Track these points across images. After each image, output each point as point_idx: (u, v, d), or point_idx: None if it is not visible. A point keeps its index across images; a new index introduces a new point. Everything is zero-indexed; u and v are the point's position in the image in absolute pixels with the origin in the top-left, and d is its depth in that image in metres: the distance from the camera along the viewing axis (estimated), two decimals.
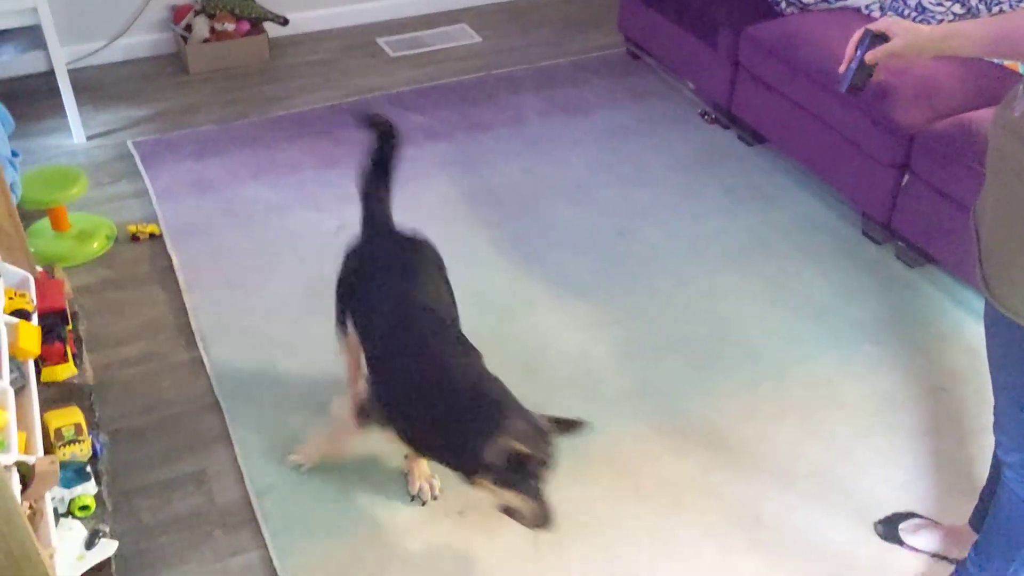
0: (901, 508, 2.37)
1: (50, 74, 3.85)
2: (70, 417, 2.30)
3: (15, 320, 2.27)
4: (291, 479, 2.42)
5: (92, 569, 2.10)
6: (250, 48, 4.45)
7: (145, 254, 3.23)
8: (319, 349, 2.79)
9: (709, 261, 3.21)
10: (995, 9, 3.28)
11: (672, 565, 2.23)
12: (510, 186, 3.58)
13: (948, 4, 3.34)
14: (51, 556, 1.89)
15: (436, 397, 2.01)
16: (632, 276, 3.14)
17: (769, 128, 3.67)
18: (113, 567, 2.13)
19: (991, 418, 1.89)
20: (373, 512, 2.35)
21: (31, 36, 3.75)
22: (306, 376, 2.73)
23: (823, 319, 2.96)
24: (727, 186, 3.59)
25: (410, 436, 2.09)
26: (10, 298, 2.35)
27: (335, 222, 3.35)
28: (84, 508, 2.21)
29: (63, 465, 2.17)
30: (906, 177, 3.07)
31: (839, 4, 3.64)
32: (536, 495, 1.90)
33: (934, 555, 2.26)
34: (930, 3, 3.37)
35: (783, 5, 3.71)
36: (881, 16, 3.48)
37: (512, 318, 2.95)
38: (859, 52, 1.80)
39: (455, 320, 2.29)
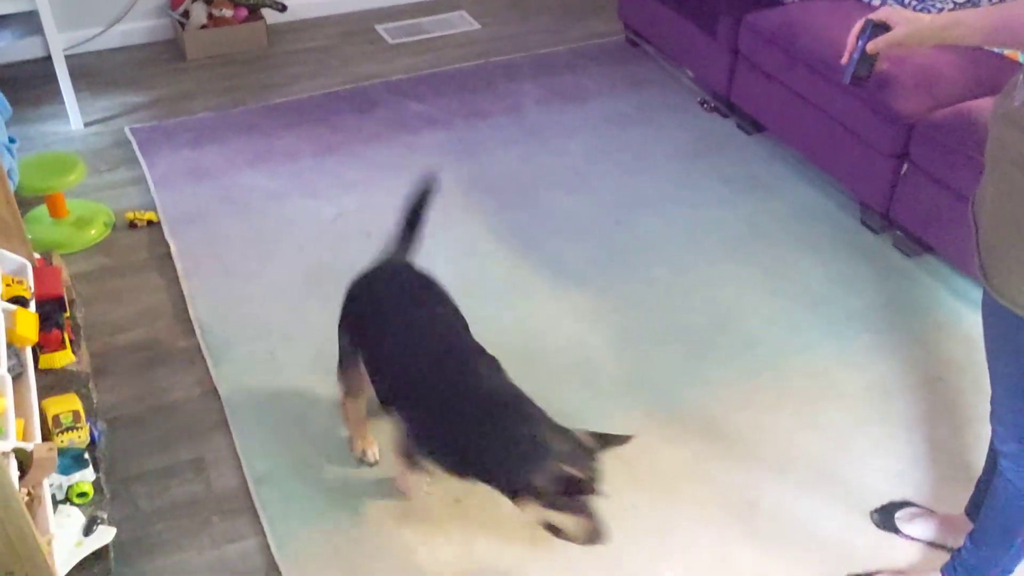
0: (897, 497, 2.38)
1: (47, 60, 3.84)
2: (68, 404, 2.29)
3: (13, 307, 2.26)
4: (289, 466, 2.43)
5: (90, 555, 2.11)
6: (248, 34, 4.43)
7: (143, 241, 3.23)
8: (317, 336, 2.80)
9: (707, 250, 3.21)
10: None
11: (668, 554, 2.24)
12: (508, 174, 3.57)
13: None
14: (49, 542, 1.89)
15: (479, 425, 1.98)
16: (630, 265, 3.14)
17: (768, 117, 3.67)
18: (111, 553, 2.14)
19: (988, 407, 1.90)
20: (371, 499, 2.35)
21: (28, 22, 3.74)
22: (304, 363, 2.73)
23: (821, 308, 2.97)
24: (726, 175, 3.58)
25: (458, 468, 2.05)
26: (8, 285, 2.35)
27: (333, 210, 3.35)
28: (82, 495, 2.21)
29: (61, 452, 2.17)
30: (905, 166, 3.07)
31: None
32: (587, 513, 1.88)
33: (930, 543, 2.27)
34: None
35: None
36: (882, 5, 3.47)
37: (509, 306, 2.95)
38: (860, 42, 1.79)
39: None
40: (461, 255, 3.15)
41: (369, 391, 2.30)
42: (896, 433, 2.56)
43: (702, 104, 4.02)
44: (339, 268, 3.07)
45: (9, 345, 2.17)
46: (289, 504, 2.33)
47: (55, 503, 2.12)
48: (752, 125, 3.81)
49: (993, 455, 2.03)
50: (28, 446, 1.88)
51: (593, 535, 1.90)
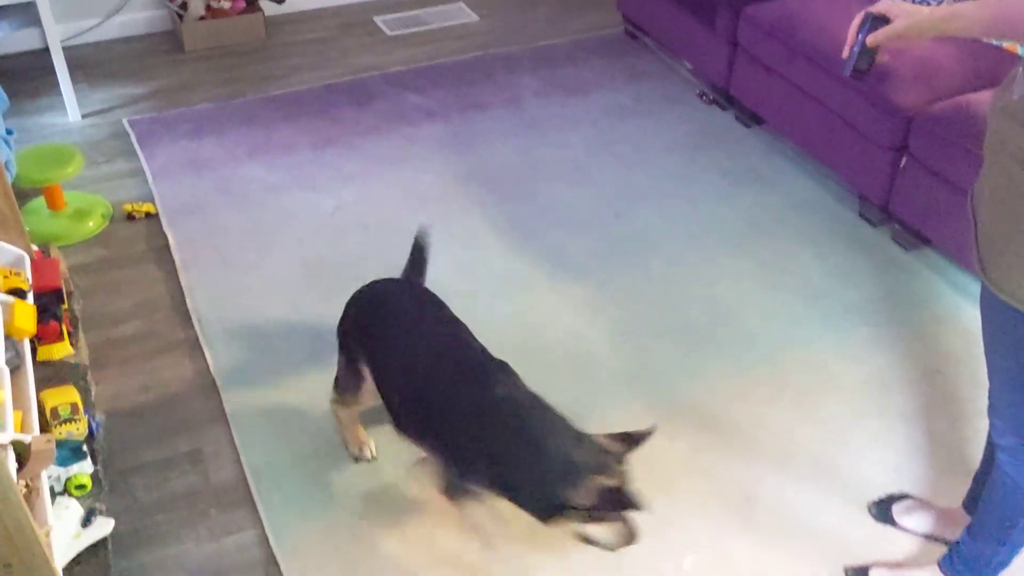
0: (895, 489, 2.38)
1: (45, 52, 3.82)
2: (66, 396, 2.29)
3: (11, 299, 2.26)
4: (287, 458, 2.43)
5: (88, 547, 2.11)
6: (246, 26, 4.42)
7: (141, 233, 3.22)
8: (315, 328, 2.80)
9: (705, 243, 3.20)
10: None
11: (665, 547, 2.24)
12: (507, 167, 3.57)
13: None
14: (47, 534, 1.89)
15: (508, 443, 1.93)
16: (628, 258, 3.13)
17: (767, 110, 3.66)
18: (109, 545, 2.14)
19: (986, 401, 1.90)
20: (369, 491, 2.35)
21: (26, 13, 3.72)
22: (302, 355, 2.73)
23: (819, 302, 2.97)
24: (724, 168, 3.58)
25: (495, 487, 1.98)
26: (5, 277, 2.35)
27: (332, 202, 3.35)
28: (80, 487, 2.21)
29: (59, 444, 2.17)
30: (904, 159, 3.06)
31: None
32: (622, 518, 1.87)
33: (927, 536, 2.27)
34: None
35: None
36: None
37: (508, 299, 2.95)
38: (860, 36, 1.79)
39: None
40: (460, 248, 3.15)
41: (364, 399, 2.30)
42: (894, 426, 2.56)
43: (701, 97, 4.01)
44: (338, 261, 3.08)
45: (7, 337, 2.17)
46: (287, 496, 2.33)
47: (53, 495, 2.12)
48: (751, 118, 3.81)
49: (991, 448, 2.04)
50: (26, 438, 1.88)
51: (628, 538, 1.89)
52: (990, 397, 1.87)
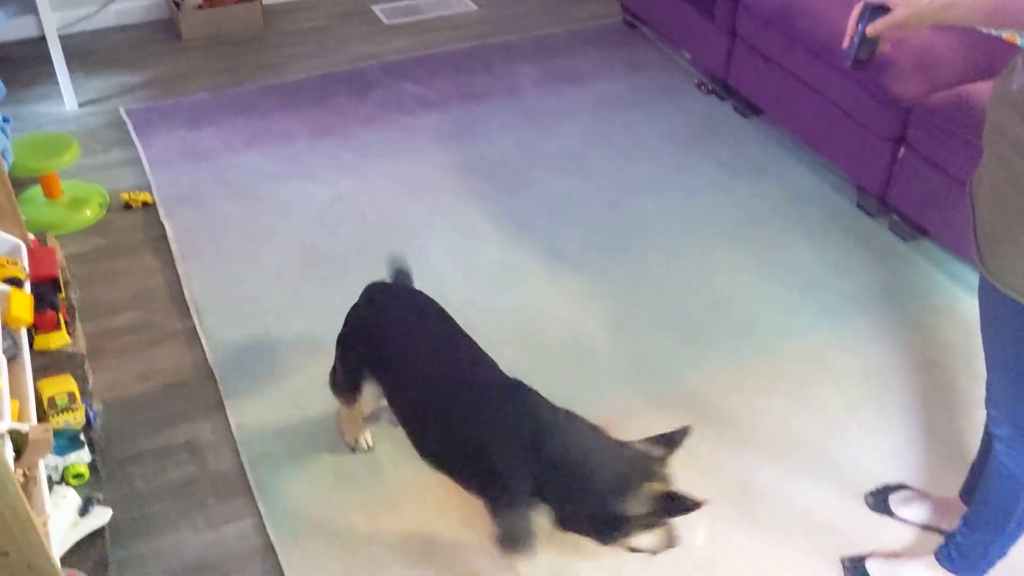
0: (892, 480, 2.39)
1: (41, 40, 3.81)
2: (63, 385, 2.29)
3: (7, 288, 2.26)
4: (284, 447, 2.43)
5: (86, 536, 2.11)
6: (244, 15, 4.41)
7: (138, 222, 3.22)
8: (313, 318, 2.80)
9: (703, 234, 3.20)
10: None
11: None
12: (504, 157, 3.56)
13: None
14: (45, 523, 1.90)
15: (561, 473, 1.85)
16: (625, 248, 3.13)
17: (765, 100, 3.66)
18: (107, 534, 2.14)
19: (983, 391, 1.90)
20: (366, 480, 2.35)
21: (22, 1, 3.71)
22: (300, 345, 2.72)
23: (816, 292, 2.97)
24: (722, 158, 3.58)
25: (557, 522, 1.91)
26: (2, 266, 2.34)
27: (330, 192, 3.34)
28: (78, 476, 2.21)
29: (57, 433, 2.17)
30: (902, 150, 3.06)
31: None
32: (667, 521, 1.84)
33: (924, 526, 2.28)
34: None
35: None
36: None
37: (505, 289, 2.95)
38: (860, 26, 1.78)
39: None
40: (456, 238, 3.14)
41: (368, 400, 2.28)
42: (891, 417, 2.56)
43: (699, 87, 4.00)
44: (336, 251, 3.07)
45: (4, 326, 2.17)
46: (285, 485, 2.33)
47: (51, 484, 2.12)
48: (749, 108, 3.80)
49: (988, 439, 2.04)
50: (24, 427, 1.88)
51: (671, 540, 1.87)
52: (987, 388, 1.87)
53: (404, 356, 2.10)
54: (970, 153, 2.72)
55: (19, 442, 1.86)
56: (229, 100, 3.87)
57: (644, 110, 3.85)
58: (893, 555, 2.20)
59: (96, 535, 2.13)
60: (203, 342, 2.73)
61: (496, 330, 2.72)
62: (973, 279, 2.77)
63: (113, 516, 2.18)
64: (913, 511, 2.29)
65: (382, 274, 2.97)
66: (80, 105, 3.83)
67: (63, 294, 2.64)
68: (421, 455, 2.07)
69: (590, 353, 2.74)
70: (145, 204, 3.28)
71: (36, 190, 3.24)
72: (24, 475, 1.94)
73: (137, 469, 2.38)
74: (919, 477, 2.40)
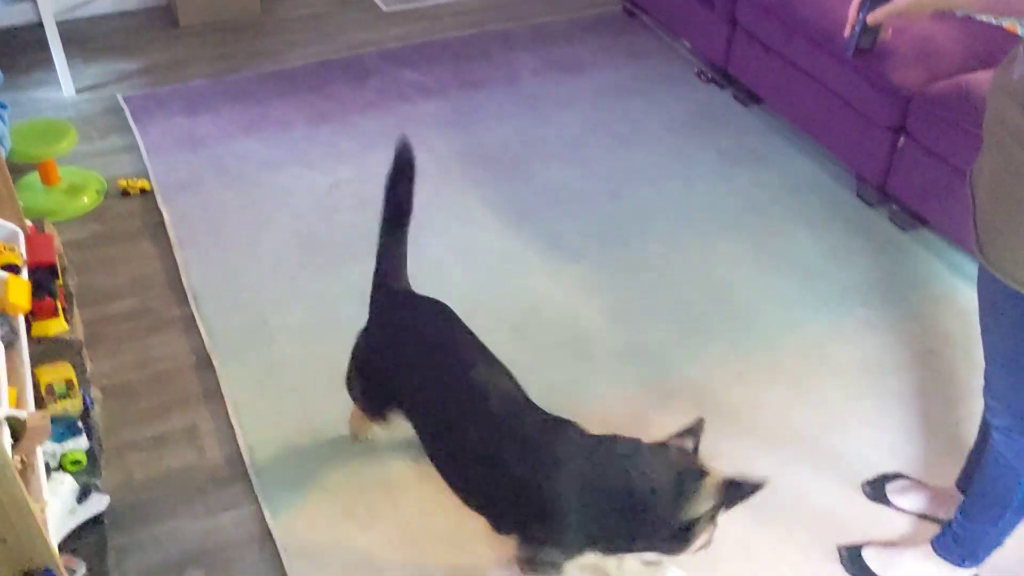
0: (889, 469, 2.39)
1: (38, 26, 3.79)
2: (61, 372, 2.29)
3: (5, 274, 2.25)
4: (282, 435, 2.43)
5: (84, 523, 2.11)
6: (241, 1, 4.39)
7: (136, 209, 3.21)
8: (311, 305, 2.79)
9: (702, 224, 3.20)
10: None
11: None
12: (503, 145, 3.55)
13: None
14: (42, 510, 1.89)
15: (626, 503, 1.78)
16: (624, 238, 3.13)
17: (765, 88, 3.65)
18: (105, 521, 2.14)
19: (980, 381, 1.90)
20: (364, 468, 2.35)
21: None
22: (298, 332, 2.72)
23: (815, 282, 2.97)
24: (722, 147, 3.57)
25: (623, 548, 1.87)
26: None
27: (327, 179, 3.33)
28: (76, 463, 2.21)
29: (54, 420, 2.17)
30: (902, 139, 3.06)
31: None
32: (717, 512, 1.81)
33: (921, 515, 2.28)
34: None
35: None
36: None
37: (503, 279, 2.94)
38: (861, 14, 1.78)
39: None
40: (454, 227, 3.14)
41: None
42: (889, 406, 2.57)
43: (699, 75, 3.99)
44: (333, 238, 3.07)
45: (1, 313, 2.16)
46: (283, 472, 2.33)
47: (48, 471, 2.12)
48: (749, 97, 3.79)
49: (985, 429, 2.04)
50: (21, 414, 1.87)
51: (712, 533, 1.85)
52: (986, 377, 1.87)
53: (430, 393, 1.97)
54: (970, 143, 2.72)
55: (17, 429, 1.86)
56: (226, 87, 3.85)
57: (644, 99, 3.84)
58: (890, 544, 2.21)
59: (94, 522, 2.13)
60: (201, 329, 2.73)
61: (494, 320, 2.72)
62: (972, 269, 2.77)
63: (111, 503, 2.18)
64: (910, 500, 2.29)
65: None
66: (78, 91, 3.82)
67: (61, 281, 2.63)
68: (452, 490, 1.99)
69: (589, 343, 2.73)
70: (143, 191, 3.27)
71: (33, 176, 3.23)
72: (22, 462, 1.93)
73: (135, 456, 2.38)
74: (916, 466, 2.40)
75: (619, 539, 1.84)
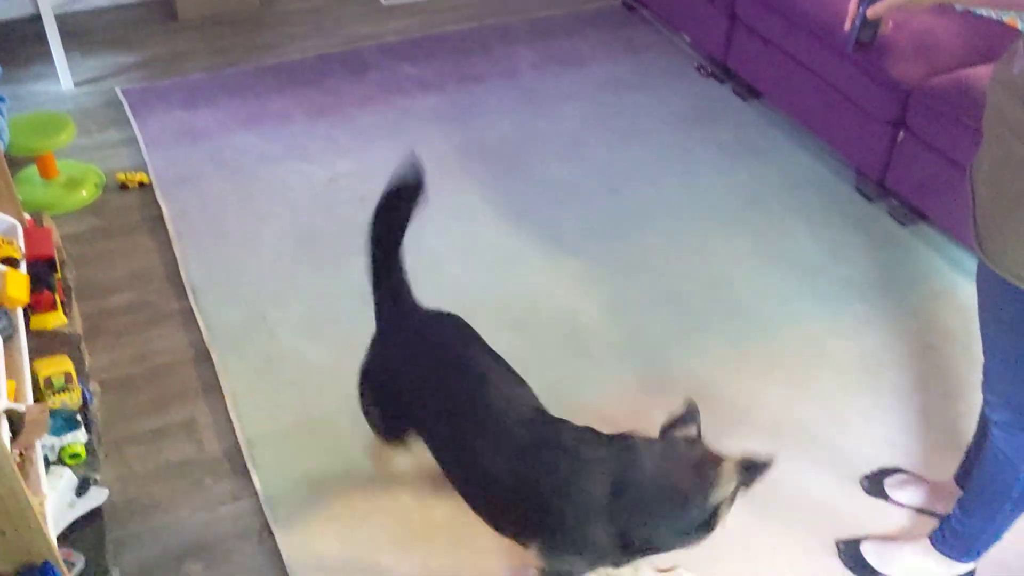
0: (887, 464, 2.39)
1: (37, 19, 3.79)
2: (60, 365, 2.29)
3: (3, 268, 2.25)
4: (281, 428, 2.43)
5: (83, 516, 2.11)
6: None
7: (134, 203, 3.21)
8: (309, 299, 2.79)
9: (701, 218, 3.20)
10: None
11: None
12: (502, 140, 3.55)
13: None
14: (41, 503, 1.90)
15: (656, 504, 1.78)
16: (623, 233, 3.13)
17: (765, 83, 3.64)
18: (104, 515, 2.14)
19: (979, 376, 1.90)
20: (363, 463, 2.35)
21: None
22: (296, 326, 2.72)
23: (814, 276, 2.97)
24: (721, 142, 3.57)
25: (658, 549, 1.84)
26: None
27: (326, 174, 3.33)
28: (75, 456, 2.21)
29: (53, 413, 2.17)
30: (901, 134, 3.05)
31: None
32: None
33: (919, 510, 2.28)
34: None
35: None
36: None
37: (502, 273, 2.94)
38: (861, 8, 1.77)
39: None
40: (454, 221, 3.13)
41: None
42: (887, 401, 2.57)
43: (699, 69, 3.99)
44: (332, 232, 3.07)
45: None
46: (282, 466, 2.34)
47: (47, 464, 2.12)
48: (748, 91, 3.79)
49: (983, 423, 2.05)
50: (20, 407, 1.88)
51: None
52: (984, 373, 1.87)
53: (445, 413, 1.93)
54: (969, 137, 2.72)
55: (16, 422, 1.86)
56: (225, 81, 3.85)
57: (643, 93, 3.83)
58: (888, 538, 2.21)
59: (93, 515, 2.13)
60: (200, 323, 2.73)
61: (493, 314, 2.72)
62: (971, 264, 2.77)
63: (110, 496, 2.18)
64: (908, 495, 2.30)
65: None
66: (76, 85, 3.81)
67: (59, 274, 2.63)
68: (474, 510, 1.96)
69: (588, 337, 2.73)
70: (141, 184, 3.27)
71: (32, 170, 3.23)
72: (21, 455, 1.94)
73: (134, 449, 2.38)
74: (915, 461, 2.40)
75: (652, 539, 1.82)
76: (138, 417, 2.46)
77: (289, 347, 2.66)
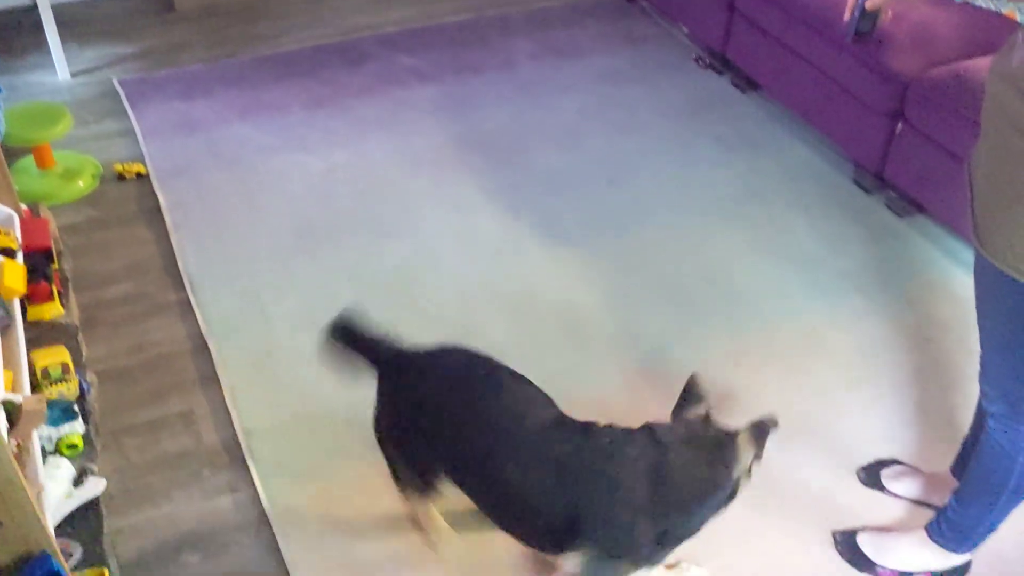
0: (884, 455, 2.40)
1: (33, 8, 3.77)
2: (57, 356, 2.29)
3: (0, 259, 2.25)
4: (279, 419, 2.43)
5: (81, 507, 2.11)
6: None
7: (131, 193, 3.20)
8: (306, 290, 2.79)
9: (699, 210, 3.20)
10: None
11: None
12: (500, 131, 3.54)
13: None
14: (39, 494, 1.90)
15: (685, 495, 1.79)
16: (621, 224, 3.12)
17: (763, 75, 3.64)
18: (101, 505, 2.14)
19: (976, 368, 1.90)
20: (361, 455, 2.35)
21: None
22: (293, 317, 2.72)
23: (811, 269, 2.97)
24: (719, 134, 3.56)
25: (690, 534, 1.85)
26: None
27: (323, 164, 3.32)
28: (72, 447, 2.21)
29: (50, 404, 2.17)
30: (899, 126, 3.05)
31: None
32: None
33: (915, 501, 2.29)
34: None
35: None
36: None
37: (500, 264, 2.94)
38: None
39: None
40: (451, 211, 3.13)
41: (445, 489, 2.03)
42: (884, 393, 2.57)
43: (697, 61, 3.98)
44: (329, 223, 3.06)
45: None
46: (280, 457, 2.34)
47: (45, 455, 2.12)
48: (747, 83, 3.79)
49: (980, 415, 2.05)
50: (17, 398, 1.87)
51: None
52: (981, 364, 1.87)
53: (468, 447, 1.88)
54: (968, 129, 2.72)
55: (13, 413, 1.86)
56: (222, 71, 3.84)
57: (642, 84, 3.83)
58: (884, 529, 2.21)
59: (90, 506, 2.13)
60: (197, 313, 2.72)
61: (491, 305, 2.72)
62: (969, 256, 2.77)
63: (107, 487, 2.18)
64: (905, 486, 2.30)
65: (376, 247, 2.96)
66: (73, 75, 3.80)
67: (56, 265, 2.63)
68: (506, 531, 1.93)
69: (585, 328, 2.74)
70: (138, 175, 3.26)
71: (29, 160, 3.22)
72: (18, 446, 1.94)
73: (131, 440, 2.38)
74: (911, 452, 2.41)
75: (689, 528, 1.82)
76: (135, 408, 2.46)
77: (287, 338, 2.65)
